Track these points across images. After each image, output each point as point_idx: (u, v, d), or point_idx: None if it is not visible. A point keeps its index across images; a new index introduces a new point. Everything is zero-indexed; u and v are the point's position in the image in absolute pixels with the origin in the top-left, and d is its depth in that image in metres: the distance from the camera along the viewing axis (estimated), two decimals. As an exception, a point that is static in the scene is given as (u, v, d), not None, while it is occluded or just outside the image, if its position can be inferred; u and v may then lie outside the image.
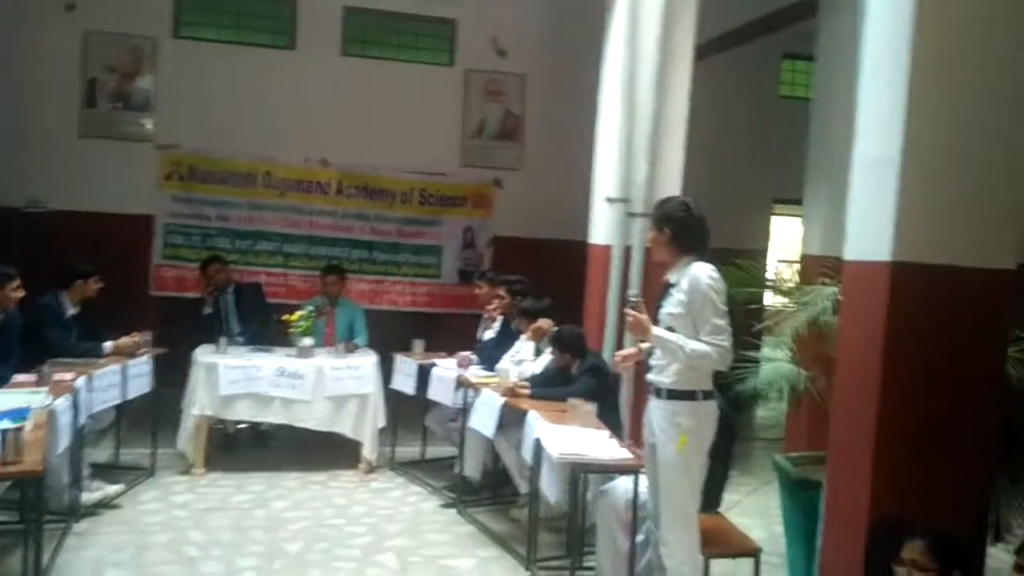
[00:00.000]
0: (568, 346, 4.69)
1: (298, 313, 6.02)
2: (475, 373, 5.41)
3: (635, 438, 4.27)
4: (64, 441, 4.13)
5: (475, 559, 4.42)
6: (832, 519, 3.22)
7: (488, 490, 5.43)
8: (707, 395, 3.32)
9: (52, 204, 7.65)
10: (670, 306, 3.29)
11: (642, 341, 3.43)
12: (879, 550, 2.80)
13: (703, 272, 3.25)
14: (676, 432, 3.26)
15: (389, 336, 6.66)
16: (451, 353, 5.94)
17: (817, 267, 5.20)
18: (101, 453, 5.74)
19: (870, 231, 3.08)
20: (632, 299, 3.37)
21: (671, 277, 3.34)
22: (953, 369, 3.00)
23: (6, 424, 3.29)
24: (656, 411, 3.33)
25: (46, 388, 4.20)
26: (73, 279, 5.24)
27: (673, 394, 3.29)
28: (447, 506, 5.22)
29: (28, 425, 3.49)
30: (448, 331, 7.51)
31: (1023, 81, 3.01)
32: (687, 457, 3.28)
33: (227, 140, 7.98)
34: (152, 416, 5.62)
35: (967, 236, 3.00)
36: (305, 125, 8.10)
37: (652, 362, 3.33)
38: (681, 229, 3.32)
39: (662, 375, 3.30)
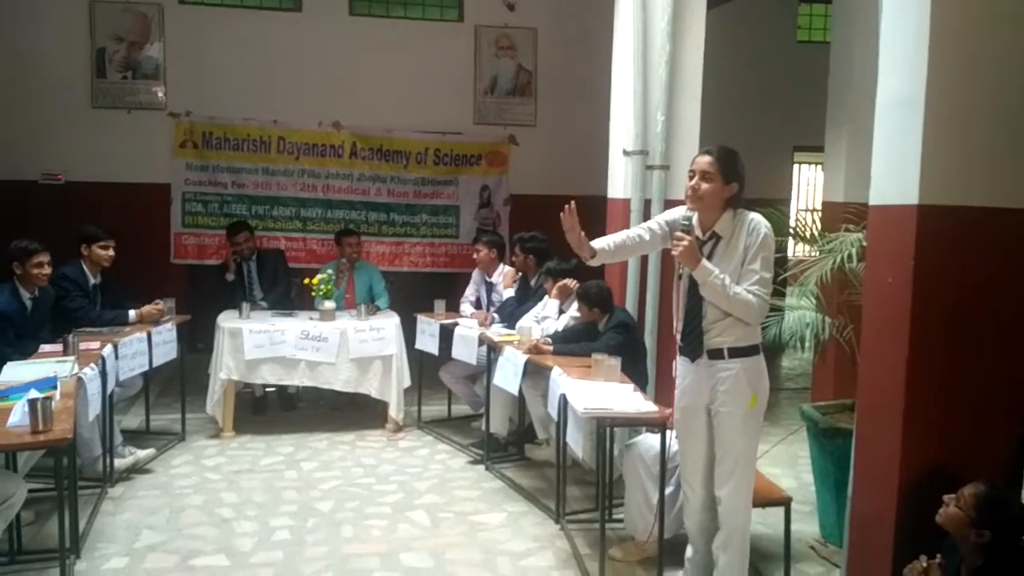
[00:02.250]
0: (596, 301, 4.65)
1: (318, 277, 6.03)
2: (497, 331, 5.41)
3: (663, 397, 4.26)
4: (94, 409, 4.18)
5: (504, 514, 4.47)
6: (862, 467, 3.21)
7: (514, 446, 5.47)
8: (761, 348, 3.26)
9: (68, 176, 7.69)
10: (720, 260, 3.14)
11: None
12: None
13: (763, 223, 3.15)
14: (749, 392, 3.16)
15: (410, 297, 6.67)
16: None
17: (839, 214, 5.13)
18: (131, 420, 5.85)
19: (895, 174, 3.01)
20: (684, 222, 3.18)
21: (719, 230, 3.18)
22: (984, 313, 2.95)
23: (34, 394, 3.31)
24: (720, 374, 3.17)
25: (73, 357, 4.23)
26: (80, 245, 5.22)
27: (736, 352, 3.16)
28: (475, 463, 5.27)
29: (56, 394, 3.52)
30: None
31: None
32: (757, 415, 3.23)
33: (239, 106, 7.95)
34: (180, 382, 5.70)
35: (996, 176, 2.92)
36: (316, 88, 8.05)
37: (705, 325, 3.18)
38: (742, 186, 3.20)
39: (723, 335, 3.16)
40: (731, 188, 3.18)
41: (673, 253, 3.17)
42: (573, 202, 3.24)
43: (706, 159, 3.18)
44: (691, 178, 3.21)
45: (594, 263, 3.42)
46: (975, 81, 2.87)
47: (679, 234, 3.14)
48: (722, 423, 3.21)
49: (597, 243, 3.36)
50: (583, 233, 3.29)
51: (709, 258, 3.16)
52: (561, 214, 3.26)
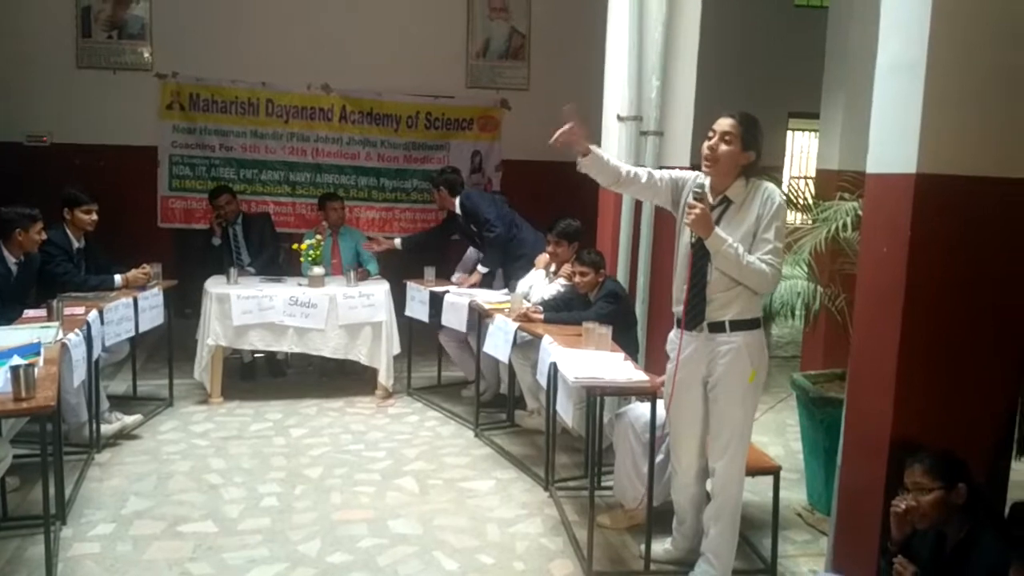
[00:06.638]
0: (596, 262, 4.58)
1: (307, 242, 5.96)
2: (486, 299, 5.37)
3: (654, 366, 4.23)
4: (80, 375, 4.14)
5: (493, 481, 4.46)
6: (852, 435, 3.19)
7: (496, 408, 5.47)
8: (761, 322, 3.22)
9: (53, 138, 7.56)
10: (729, 225, 3.10)
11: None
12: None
13: (777, 192, 3.12)
14: (749, 366, 3.12)
15: (400, 264, 6.61)
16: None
17: (834, 182, 5.08)
18: (118, 385, 5.81)
19: (894, 141, 2.96)
20: (697, 189, 3.12)
21: (731, 195, 3.13)
22: (979, 284, 2.91)
23: (16, 360, 3.25)
24: (720, 347, 3.13)
25: (57, 323, 4.17)
26: (62, 208, 5.12)
27: (738, 325, 3.12)
28: (464, 429, 5.25)
29: (40, 360, 3.47)
30: (459, 257, 7.45)
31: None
32: (756, 389, 3.20)
33: (226, 67, 7.81)
34: (168, 348, 5.65)
35: (997, 145, 2.86)
36: (305, 49, 7.90)
37: (710, 295, 3.13)
38: (759, 156, 3.14)
39: (725, 309, 3.12)
40: (748, 156, 3.11)
41: (686, 221, 3.10)
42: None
43: (729, 120, 3.11)
44: (710, 138, 3.14)
45: (584, 164, 3.17)
46: (978, 46, 2.81)
47: (692, 202, 3.08)
48: (719, 397, 3.17)
49: (596, 149, 3.17)
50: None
51: (717, 223, 3.10)
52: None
